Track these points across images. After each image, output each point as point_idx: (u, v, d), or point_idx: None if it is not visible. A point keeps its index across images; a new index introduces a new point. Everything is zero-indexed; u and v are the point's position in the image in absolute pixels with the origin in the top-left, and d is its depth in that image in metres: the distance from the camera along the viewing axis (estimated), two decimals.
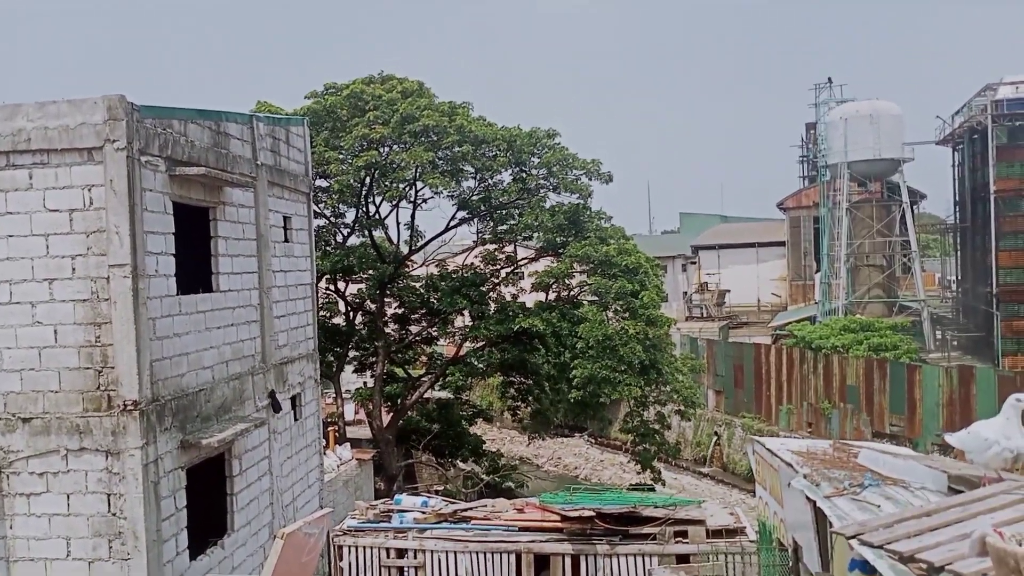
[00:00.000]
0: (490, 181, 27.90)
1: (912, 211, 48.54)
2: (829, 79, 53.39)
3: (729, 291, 59.07)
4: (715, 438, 37.27)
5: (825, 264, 49.21)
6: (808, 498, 6.80)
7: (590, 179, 27.34)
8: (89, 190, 11.09)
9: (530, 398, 30.64)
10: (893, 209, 48.54)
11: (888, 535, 5.06)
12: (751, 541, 9.65)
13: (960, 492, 6.15)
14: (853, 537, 5.18)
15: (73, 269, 11.13)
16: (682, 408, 27.84)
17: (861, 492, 6.41)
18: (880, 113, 46.71)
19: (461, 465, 31.95)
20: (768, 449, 8.62)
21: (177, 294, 12.19)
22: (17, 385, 11.24)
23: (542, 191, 27.71)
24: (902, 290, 49.45)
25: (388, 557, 10.02)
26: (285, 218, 16.74)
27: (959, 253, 51.36)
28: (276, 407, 15.27)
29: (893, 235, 48.91)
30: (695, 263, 63.01)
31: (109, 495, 11.08)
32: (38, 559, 11.25)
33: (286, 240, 16.74)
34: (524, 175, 27.34)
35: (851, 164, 46.95)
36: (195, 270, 13.32)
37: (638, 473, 28.64)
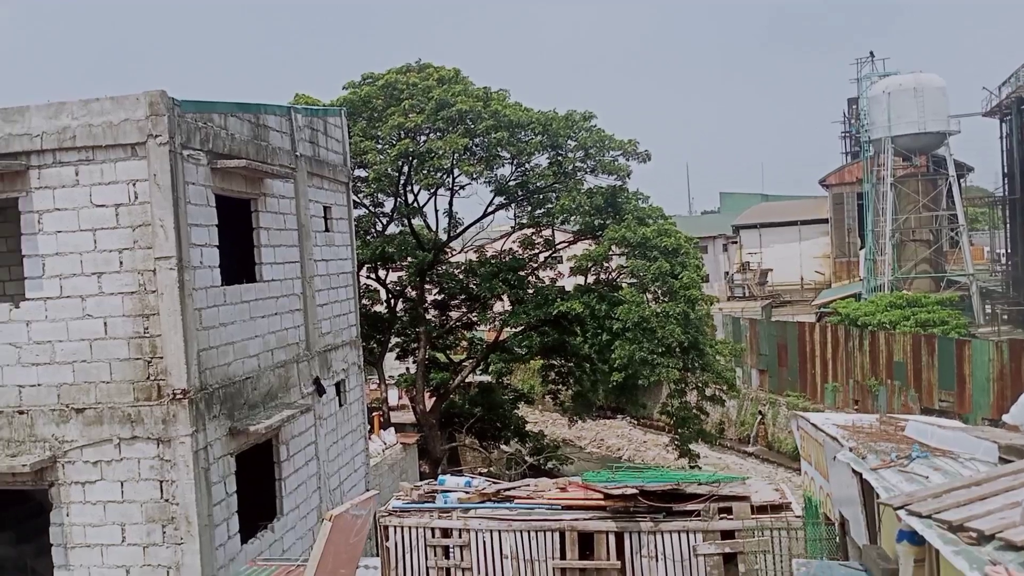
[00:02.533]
0: (527, 166, 27.84)
1: (959, 184, 47.43)
2: (871, 53, 52.34)
3: (771, 270, 58.32)
4: (759, 417, 36.95)
5: (870, 240, 48.34)
6: (854, 471, 6.74)
7: (628, 159, 27.12)
8: (134, 185, 11.31)
9: (570, 380, 30.65)
10: (939, 183, 47.48)
11: (937, 505, 5.01)
12: (797, 516, 9.58)
13: (1011, 462, 6.05)
14: (901, 508, 5.14)
15: (120, 263, 11.38)
16: (722, 391, 27.61)
17: (908, 464, 6.33)
18: (924, 86, 45.63)
19: (504, 447, 32.12)
20: (813, 424, 8.54)
21: (222, 285, 12.41)
22: (70, 377, 11.54)
23: (579, 174, 27.57)
24: (950, 265, 48.39)
25: (433, 537, 10.14)
26: (325, 208, 16.92)
27: (1008, 226, 49.99)
28: (320, 391, 15.49)
29: (940, 209, 47.86)
30: (736, 243, 62.29)
31: (161, 482, 11.35)
32: (94, 545, 11.58)
33: (327, 230, 16.94)
34: (560, 158, 27.23)
35: (895, 138, 45.98)
36: (239, 261, 13.56)
37: (676, 458, 28.52)
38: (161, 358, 11.27)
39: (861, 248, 52.08)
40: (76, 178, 11.44)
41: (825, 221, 57.15)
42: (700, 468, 26.85)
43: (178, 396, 11.19)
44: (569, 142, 27.02)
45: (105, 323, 11.43)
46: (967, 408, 29.50)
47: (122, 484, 11.46)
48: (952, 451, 6.70)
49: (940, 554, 4.72)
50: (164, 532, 11.38)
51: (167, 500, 11.34)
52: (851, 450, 6.89)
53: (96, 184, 11.40)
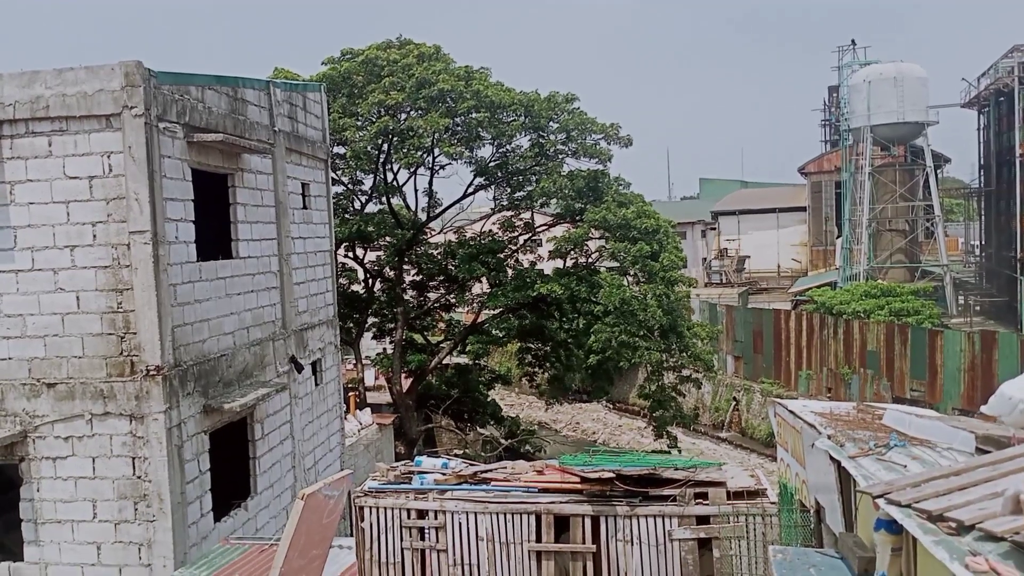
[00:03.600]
0: (508, 147, 27.70)
1: (936, 175, 47.79)
2: (852, 41, 52.48)
3: (749, 257, 58.62)
4: (734, 403, 37.24)
5: (847, 229, 48.68)
6: (832, 459, 6.74)
7: (609, 143, 27.06)
8: (108, 157, 11.11)
9: (547, 364, 30.71)
10: (916, 173, 47.84)
11: (916, 494, 5.01)
12: (772, 503, 9.63)
13: (988, 452, 6.08)
14: (880, 496, 5.13)
15: (94, 236, 11.19)
16: (699, 373, 27.77)
17: (887, 452, 6.34)
18: (904, 75, 45.83)
19: (480, 430, 32.15)
20: (790, 411, 8.54)
21: (197, 261, 12.24)
22: (41, 351, 11.36)
23: (560, 156, 27.48)
24: (925, 255, 48.87)
25: (409, 518, 10.07)
26: (303, 185, 16.72)
27: (983, 217, 50.66)
28: (299, 368, 15.36)
29: (916, 199, 48.25)
30: (715, 229, 62.50)
31: (134, 458, 11.22)
32: (65, 521, 11.45)
33: (304, 207, 16.75)
34: (542, 140, 27.11)
35: (874, 128, 46.20)
36: (215, 237, 13.36)
37: (655, 439, 28.69)
38: (135, 334, 11.11)
39: (838, 237, 52.45)
40: (49, 149, 11.21)
41: (803, 209, 57.48)
42: (679, 452, 27.05)
43: (151, 372, 11.04)
44: (551, 124, 26.90)
45: (78, 297, 11.24)
46: (938, 398, 29.89)
47: (94, 460, 11.33)
48: (930, 440, 6.72)
49: (918, 543, 4.72)
50: (136, 509, 11.26)
51: (139, 477, 11.22)
52: (829, 438, 6.89)
53: (70, 155, 11.18)
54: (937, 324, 34.65)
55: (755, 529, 9.57)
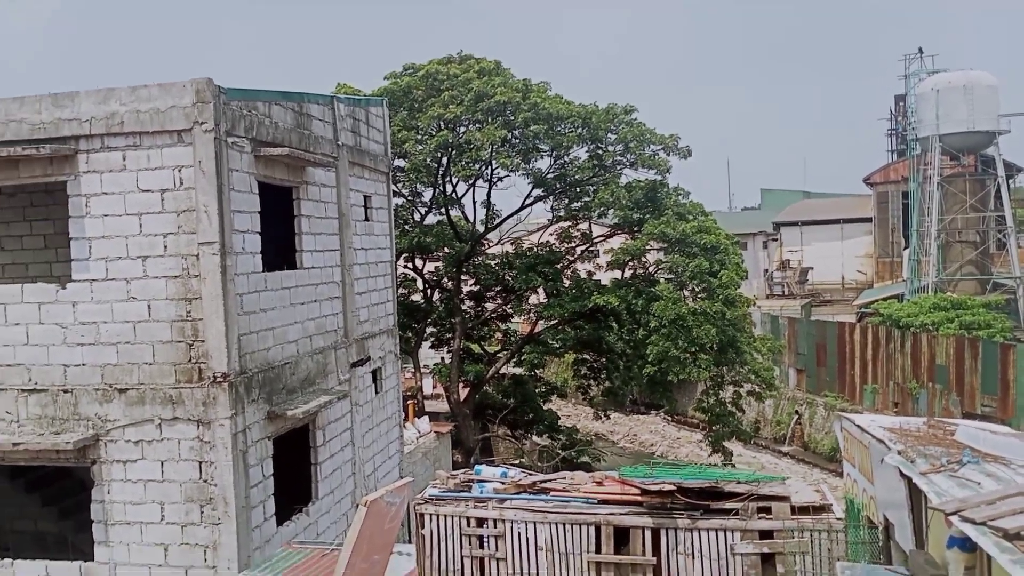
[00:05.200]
0: (565, 158, 27.71)
1: (1008, 185, 46.25)
2: (920, 49, 51.15)
3: (812, 268, 57.49)
4: (796, 417, 36.50)
5: (914, 240, 47.41)
6: (903, 475, 6.58)
7: (668, 154, 26.83)
8: (179, 171, 11.44)
9: (602, 375, 30.52)
10: (987, 183, 46.39)
11: (991, 512, 4.87)
12: (838, 519, 9.42)
13: None
14: (954, 514, 5.00)
15: (165, 247, 11.52)
16: (759, 389, 27.29)
17: (960, 469, 6.16)
18: (974, 84, 44.57)
19: (536, 440, 32.10)
20: (858, 425, 8.37)
21: (263, 271, 12.52)
22: (114, 357, 11.72)
23: (618, 167, 27.38)
24: (996, 267, 47.30)
25: (468, 526, 10.13)
26: (365, 197, 16.99)
27: None
28: (362, 362, 15.53)
29: (987, 210, 46.78)
30: (776, 240, 61.50)
31: (200, 463, 11.49)
32: (134, 523, 11.77)
33: (367, 219, 17.01)
34: (600, 152, 27.05)
35: (943, 137, 44.99)
36: (280, 248, 13.66)
37: (709, 455, 28.28)
38: (202, 341, 11.39)
39: (905, 248, 51.12)
40: (123, 163, 11.60)
41: (869, 220, 56.17)
42: (734, 466, 26.62)
43: (218, 379, 11.31)
44: (609, 135, 26.81)
45: (149, 306, 11.58)
46: (1010, 413, 28.85)
47: (162, 464, 11.63)
48: (1004, 457, 6.52)
49: (993, 561, 4.59)
50: (202, 512, 11.52)
51: (205, 481, 11.48)
52: (900, 453, 6.73)
53: (142, 169, 11.55)
54: (1009, 338, 33.49)
55: (820, 545, 9.38)
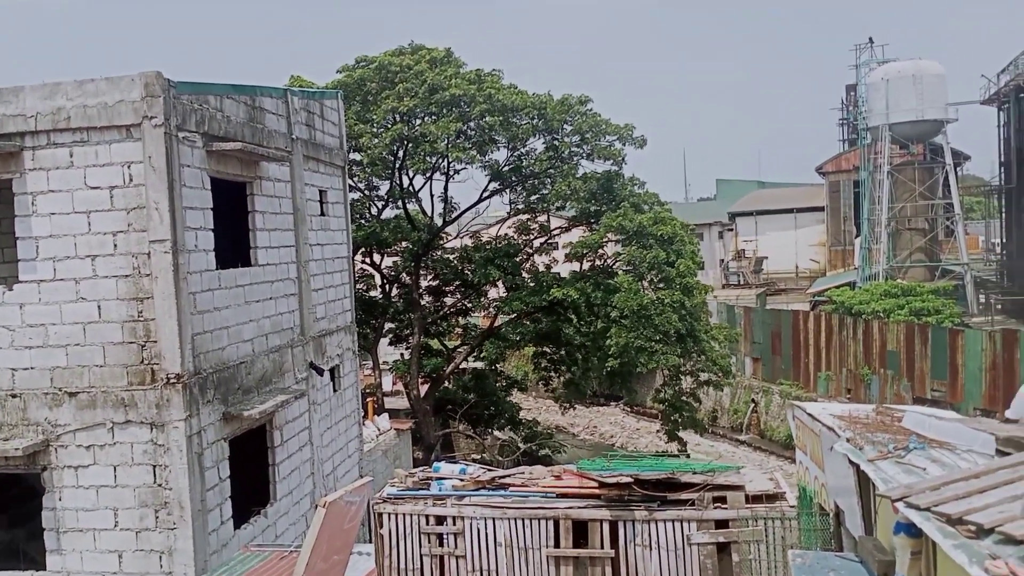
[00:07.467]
0: (521, 150, 27.73)
1: (955, 173, 47.34)
2: (870, 39, 52.13)
3: (767, 258, 58.34)
4: (752, 405, 37.06)
5: (865, 229, 48.33)
6: (851, 462, 6.72)
7: (623, 144, 27.01)
8: (128, 167, 11.23)
9: (563, 368, 30.68)
10: (936, 171, 47.43)
11: (936, 497, 4.99)
12: (791, 506, 9.60)
13: (1009, 455, 6.04)
14: (899, 500, 5.11)
15: (115, 245, 11.30)
16: (716, 377, 27.65)
17: (906, 455, 6.31)
18: (923, 73, 45.49)
19: (498, 434, 32.16)
20: (809, 414, 8.52)
21: (216, 269, 12.34)
22: (63, 360, 11.48)
23: (575, 159, 27.47)
24: (945, 254, 48.43)
25: (427, 524, 10.12)
26: (321, 192, 16.83)
27: (1004, 215, 50.08)
28: (319, 371, 15.42)
29: (936, 198, 47.84)
30: (732, 230, 62.23)
31: (154, 466, 11.32)
32: (87, 530, 11.56)
33: (322, 214, 16.85)
34: (556, 143, 27.12)
35: (893, 126, 45.87)
36: (234, 245, 13.47)
37: (666, 443, 28.63)
38: (155, 342, 11.21)
39: (857, 236, 52.09)
40: (70, 159, 11.35)
41: (821, 209, 57.12)
42: (689, 456, 26.96)
43: (172, 380, 11.14)
44: (564, 126, 26.90)
45: (99, 306, 11.36)
46: (959, 398, 29.61)
47: (115, 468, 11.43)
48: (950, 443, 6.68)
49: (938, 547, 4.70)
50: (157, 517, 11.35)
51: (160, 485, 11.31)
52: (848, 441, 6.86)
53: (91, 166, 11.31)
54: (958, 323, 34.34)
55: (774, 533, 9.57)
